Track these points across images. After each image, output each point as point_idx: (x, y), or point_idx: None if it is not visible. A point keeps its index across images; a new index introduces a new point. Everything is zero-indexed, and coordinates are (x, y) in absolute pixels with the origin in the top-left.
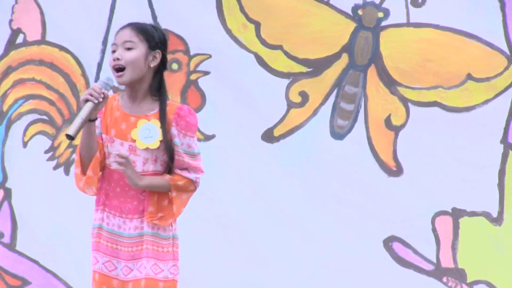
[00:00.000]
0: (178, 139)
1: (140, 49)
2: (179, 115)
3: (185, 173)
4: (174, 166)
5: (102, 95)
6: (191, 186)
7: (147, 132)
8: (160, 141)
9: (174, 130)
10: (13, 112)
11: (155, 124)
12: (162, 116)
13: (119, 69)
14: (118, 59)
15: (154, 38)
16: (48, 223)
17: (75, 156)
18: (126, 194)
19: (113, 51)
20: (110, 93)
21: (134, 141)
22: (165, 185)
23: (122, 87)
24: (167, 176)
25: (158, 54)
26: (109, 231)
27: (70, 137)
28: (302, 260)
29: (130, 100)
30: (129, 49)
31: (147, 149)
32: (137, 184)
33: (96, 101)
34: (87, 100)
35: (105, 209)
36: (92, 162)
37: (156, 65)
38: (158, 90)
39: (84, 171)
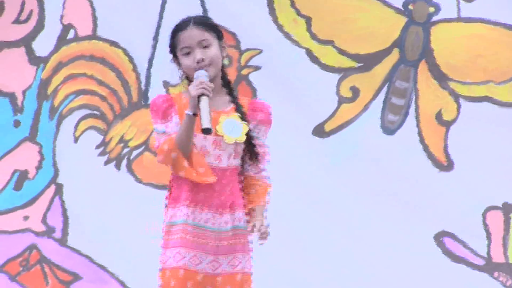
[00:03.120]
0: (262, 133)
1: (215, 43)
2: (254, 109)
3: (264, 180)
4: (256, 157)
5: (211, 89)
6: (269, 191)
7: (231, 127)
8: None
9: (257, 126)
10: (64, 107)
11: (236, 118)
12: (240, 110)
13: (203, 67)
14: (202, 60)
15: (218, 28)
16: (99, 218)
17: (173, 153)
18: (212, 189)
19: (187, 53)
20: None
21: (218, 136)
22: (264, 209)
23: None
24: (258, 202)
25: (225, 43)
26: (195, 226)
27: (209, 130)
28: (352, 255)
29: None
30: (206, 46)
31: (233, 143)
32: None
33: (210, 94)
34: (201, 95)
35: (190, 205)
36: (195, 157)
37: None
38: (227, 84)
39: (189, 160)
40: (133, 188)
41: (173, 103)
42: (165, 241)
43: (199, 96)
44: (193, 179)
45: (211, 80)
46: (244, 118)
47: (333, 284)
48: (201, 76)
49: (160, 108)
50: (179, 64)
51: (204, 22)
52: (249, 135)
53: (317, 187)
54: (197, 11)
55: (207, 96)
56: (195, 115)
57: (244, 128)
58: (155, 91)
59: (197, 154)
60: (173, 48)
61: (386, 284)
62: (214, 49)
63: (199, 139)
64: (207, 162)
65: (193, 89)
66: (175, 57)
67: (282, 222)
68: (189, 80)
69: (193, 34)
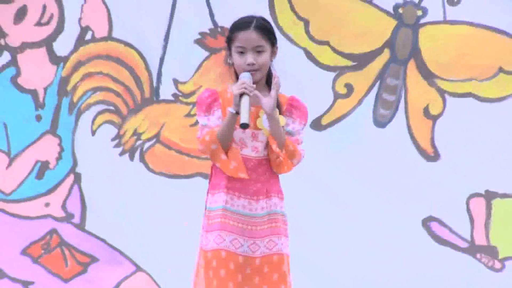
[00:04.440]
0: (294, 126)
1: (268, 50)
2: (292, 105)
3: (297, 145)
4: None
5: (253, 89)
6: (296, 157)
7: (267, 121)
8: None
9: (290, 119)
10: (82, 103)
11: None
12: (278, 106)
13: (252, 72)
14: (253, 63)
15: (275, 35)
16: (115, 205)
17: (211, 145)
18: (249, 178)
19: (241, 53)
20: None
21: (256, 129)
22: (283, 136)
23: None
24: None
25: (277, 49)
26: (234, 212)
27: (246, 125)
28: (346, 237)
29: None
30: (259, 52)
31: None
32: (273, 111)
33: (251, 94)
34: (242, 94)
35: (228, 192)
36: (231, 152)
37: None
38: (268, 80)
39: (227, 153)
40: (146, 177)
41: (217, 97)
42: (206, 225)
43: (241, 95)
44: (227, 172)
45: (256, 81)
46: (281, 113)
47: (327, 262)
48: (245, 77)
49: (204, 102)
50: (230, 55)
51: (264, 29)
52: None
53: (315, 175)
54: (204, 13)
55: (248, 95)
56: (237, 113)
57: (281, 121)
58: (166, 88)
59: (234, 148)
60: (229, 41)
61: (377, 264)
62: (266, 56)
63: (238, 132)
64: (245, 153)
65: (236, 88)
66: (229, 48)
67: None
68: (236, 74)
69: (251, 37)
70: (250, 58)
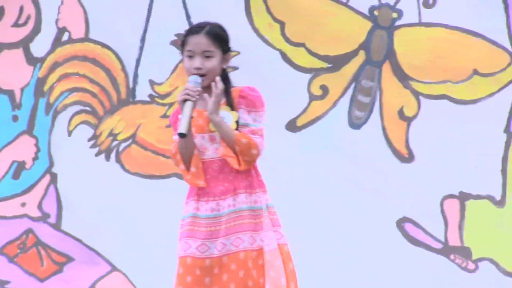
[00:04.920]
0: (244, 117)
1: (217, 56)
2: (241, 96)
3: (249, 135)
4: None
5: (197, 93)
6: (253, 149)
7: (227, 116)
8: (236, 122)
9: (241, 111)
10: (58, 103)
11: (226, 110)
12: (229, 102)
13: (200, 76)
14: (199, 68)
15: (227, 42)
16: (91, 205)
17: (176, 156)
18: (216, 179)
19: (190, 57)
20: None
21: (212, 132)
22: (231, 135)
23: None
24: (236, 132)
25: (229, 56)
26: (203, 217)
27: (183, 135)
28: (320, 237)
29: (202, 97)
30: (207, 57)
31: None
32: (212, 114)
33: (194, 99)
34: (185, 100)
35: (199, 199)
36: (193, 159)
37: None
38: (224, 81)
39: (188, 168)
40: (121, 178)
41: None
42: (179, 234)
43: (184, 101)
44: (186, 181)
45: (207, 87)
46: (233, 108)
47: (302, 263)
48: (191, 81)
49: (171, 119)
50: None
51: (215, 35)
52: (237, 122)
53: (290, 176)
54: (181, 16)
55: (191, 100)
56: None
57: (234, 117)
58: (142, 89)
59: (195, 156)
60: (182, 45)
61: (351, 265)
62: (214, 61)
63: (198, 139)
64: (208, 156)
65: (179, 95)
66: (182, 52)
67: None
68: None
69: (201, 42)
70: (197, 62)
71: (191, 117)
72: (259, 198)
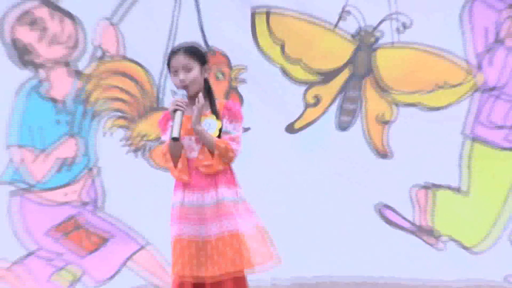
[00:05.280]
0: (226, 126)
1: (196, 68)
2: (226, 108)
3: (228, 141)
4: None
5: (185, 103)
6: (229, 153)
7: (208, 126)
8: (219, 129)
9: (224, 121)
10: (96, 109)
11: (212, 118)
12: (215, 112)
13: (185, 87)
14: (183, 80)
15: (203, 56)
16: (124, 193)
17: (166, 155)
18: (200, 174)
19: (175, 72)
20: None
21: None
22: (212, 141)
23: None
24: (216, 138)
25: (208, 66)
26: (190, 206)
27: (177, 139)
28: (312, 221)
29: (189, 105)
30: (188, 70)
31: None
32: (195, 125)
33: (183, 109)
34: (175, 110)
35: (184, 190)
36: (181, 158)
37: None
38: (208, 92)
39: (175, 165)
40: (148, 172)
41: (169, 118)
42: (171, 219)
43: (174, 111)
44: (173, 177)
45: (193, 95)
46: (218, 117)
47: (297, 242)
48: (177, 95)
49: (161, 124)
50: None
51: (190, 51)
52: (220, 129)
53: (289, 169)
54: (199, 37)
55: (181, 110)
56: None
57: (218, 125)
58: (166, 98)
59: (182, 155)
60: (168, 66)
61: (337, 243)
62: (194, 73)
63: (186, 140)
64: (194, 156)
65: (169, 106)
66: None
67: (262, 195)
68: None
69: (180, 59)
70: (181, 75)
71: (181, 124)
72: (236, 191)
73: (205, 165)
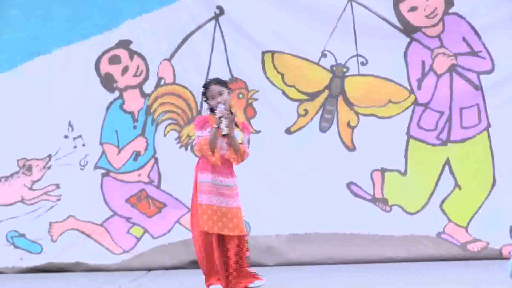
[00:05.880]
0: (244, 137)
1: (226, 92)
2: (243, 126)
3: (245, 147)
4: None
5: (226, 113)
6: (245, 155)
7: (236, 134)
8: (241, 138)
9: (243, 133)
10: (158, 119)
11: (238, 130)
12: (238, 127)
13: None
14: (220, 101)
15: (228, 85)
16: (176, 174)
17: (204, 146)
18: (224, 165)
19: (213, 97)
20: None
21: (227, 138)
22: (238, 145)
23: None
24: (239, 143)
25: (231, 91)
26: (217, 184)
27: (226, 135)
28: (303, 194)
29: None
30: (222, 94)
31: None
32: (229, 130)
33: (225, 116)
34: (221, 117)
35: (213, 172)
36: (216, 149)
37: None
38: (231, 112)
39: (213, 153)
40: (193, 160)
41: (207, 120)
42: (200, 190)
43: (220, 117)
44: (212, 162)
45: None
46: (240, 130)
47: (293, 208)
48: (220, 108)
49: (199, 123)
50: (207, 100)
51: (221, 82)
52: (242, 138)
53: (287, 160)
54: (226, 70)
55: (225, 117)
56: (218, 128)
57: (241, 135)
58: (204, 111)
59: (217, 148)
60: (205, 93)
61: (320, 209)
62: (226, 96)
63: (219, 140)
64: (221, 152)
65: (217, 114)
66: (205, 95)
67: (268, 180)
68: (212, 110)
69: (216, 88)
70: (218, 99)
71: (228, 126)
72: (236, 179)
73: (233, 158)
